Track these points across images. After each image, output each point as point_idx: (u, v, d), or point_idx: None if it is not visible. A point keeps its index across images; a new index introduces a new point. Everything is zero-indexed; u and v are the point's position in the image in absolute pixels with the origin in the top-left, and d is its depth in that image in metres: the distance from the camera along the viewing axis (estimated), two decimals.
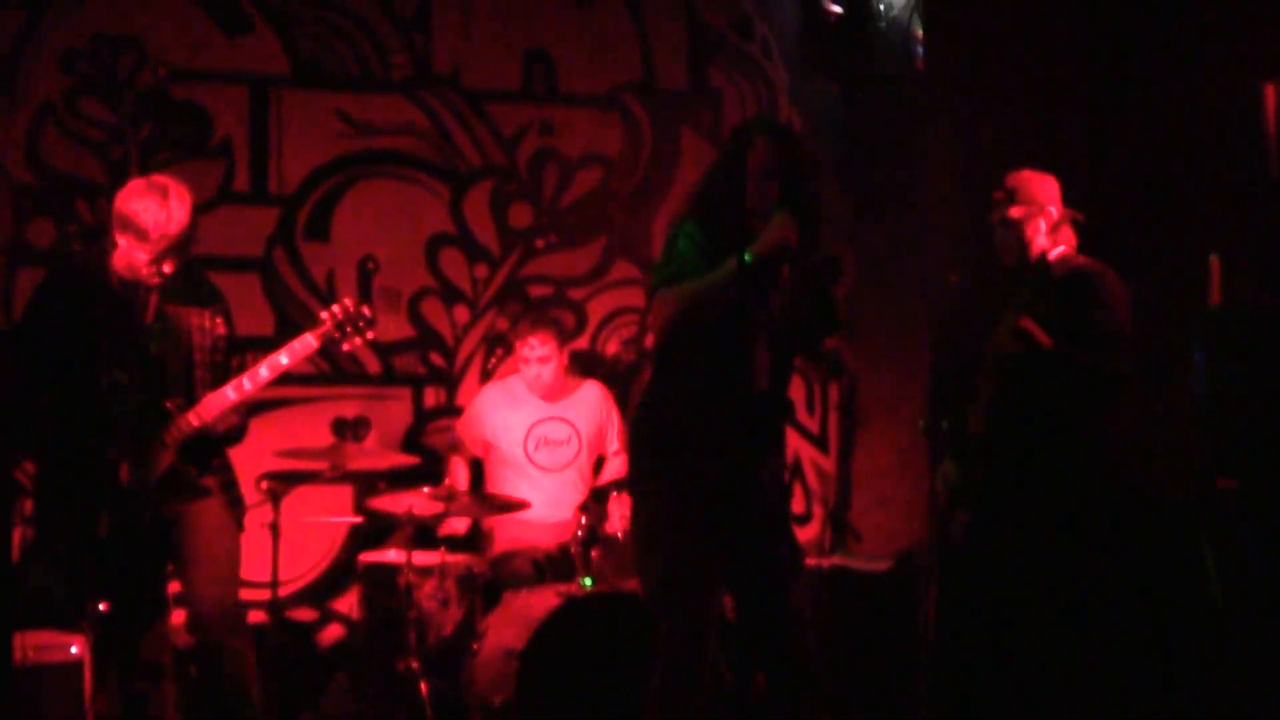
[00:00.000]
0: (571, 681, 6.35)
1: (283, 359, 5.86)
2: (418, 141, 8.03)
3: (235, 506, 5.99)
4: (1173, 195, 7.11)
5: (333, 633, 7.77)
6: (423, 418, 8.04)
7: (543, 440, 7.52)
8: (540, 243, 8.24)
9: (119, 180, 7.09)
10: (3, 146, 7.41)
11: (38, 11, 7.46)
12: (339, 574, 7.79)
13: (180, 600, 5.97)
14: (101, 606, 5.58)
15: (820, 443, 8.61)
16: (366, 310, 6.08)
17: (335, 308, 6.04)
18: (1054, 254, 6.01)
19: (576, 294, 8.29)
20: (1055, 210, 6.01)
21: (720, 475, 5.05)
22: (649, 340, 5.42)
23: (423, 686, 6.53)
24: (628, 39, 8.38)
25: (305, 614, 7.75)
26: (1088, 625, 5.93)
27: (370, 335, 6.11)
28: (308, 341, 5.93)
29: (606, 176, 8.33)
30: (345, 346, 6.10)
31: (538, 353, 7.39)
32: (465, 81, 8.10)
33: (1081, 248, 6.07)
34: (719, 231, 5.06)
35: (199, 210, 5.90)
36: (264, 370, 5.83)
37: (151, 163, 7.44)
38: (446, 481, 7.02)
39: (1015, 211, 6.01)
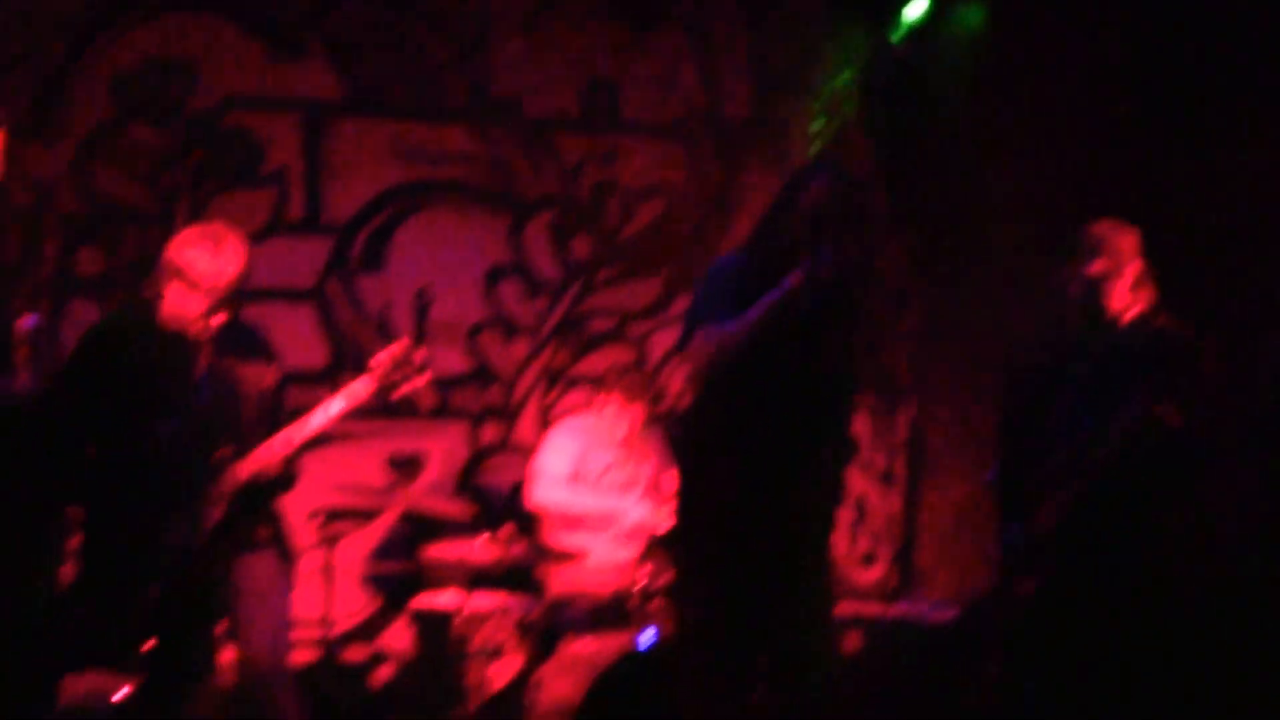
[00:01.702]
0: None
1: (334, 408, 5.69)
2: (476, 170, 7.86)
3: (286, 558, 5.85)
4: (1247, 251, 6.78)
5: (384, 674, 7.62)
6: (480, 454, 7.89)
7: (611, 483, 7.36)
8: (602, 274, 8.06)
9: (169, 208, 6.98)
10: (51, 174, 7.26)
11: (87, 36, 7.29)
12: (391, 614, 7.64)
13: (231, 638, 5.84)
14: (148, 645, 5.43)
15: (886, 479, 8.40)
16: (421, 354, 5.89)
17: (386, 353, 5.84)
18: (1131, 314, 5.54)
19: (637, 329, 8.13)
20: (1137, 266, 5.55)
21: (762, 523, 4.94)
22: None
23: None
24: (691, 67, 8.19)
25: (356, 653, 7.63)
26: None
27: (424, 379, 5.92)
28: (360, 389, 5.75)
29: (669, 207, 8.16)
30: (398, 393, 5.91)
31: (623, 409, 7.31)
32: (525, 109, 7.93)
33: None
34: (767, 268, 4.88)
35: (251, 241, 5.70)
36: (315, 419, 5.67)
37: (202, 191, 7.30)
38: None
39: (1096, 267, 5.52)
